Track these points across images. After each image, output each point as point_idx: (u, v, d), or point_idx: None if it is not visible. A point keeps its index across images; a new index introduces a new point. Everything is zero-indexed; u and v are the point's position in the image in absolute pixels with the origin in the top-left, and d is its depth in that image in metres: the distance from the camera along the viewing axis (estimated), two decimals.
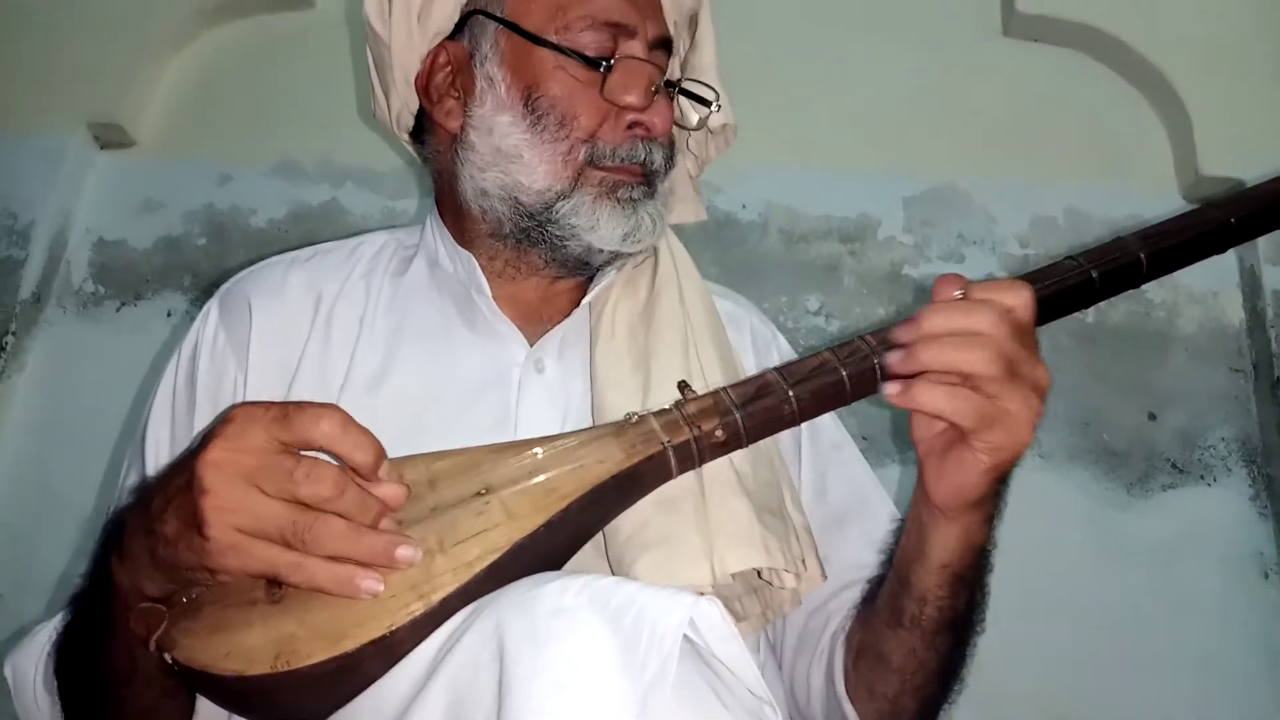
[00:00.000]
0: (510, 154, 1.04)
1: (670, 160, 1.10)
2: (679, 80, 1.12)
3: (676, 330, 1.04)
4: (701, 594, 0.68)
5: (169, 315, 2.09)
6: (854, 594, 1.05)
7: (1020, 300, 0.82)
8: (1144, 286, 2.03)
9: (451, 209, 1.13)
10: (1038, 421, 0.81)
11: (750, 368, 1.13)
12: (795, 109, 2.17)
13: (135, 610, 0.75)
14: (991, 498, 0.87)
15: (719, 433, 0.83)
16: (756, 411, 0.84)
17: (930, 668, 0.96)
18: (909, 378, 0.81)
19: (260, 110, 2.25)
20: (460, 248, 1.11)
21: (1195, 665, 1.77)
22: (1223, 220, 0.92)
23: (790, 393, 0.84)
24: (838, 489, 1.15)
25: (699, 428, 0.83)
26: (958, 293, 0.82)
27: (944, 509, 0.87)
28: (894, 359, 0.82)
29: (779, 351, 1.22)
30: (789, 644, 1.10)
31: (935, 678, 0.97)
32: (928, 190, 2.14)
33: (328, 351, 1.05)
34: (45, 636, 0.94)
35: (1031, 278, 0.87)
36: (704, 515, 0.89)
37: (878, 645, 0.98)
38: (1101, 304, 1.99)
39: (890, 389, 0.81)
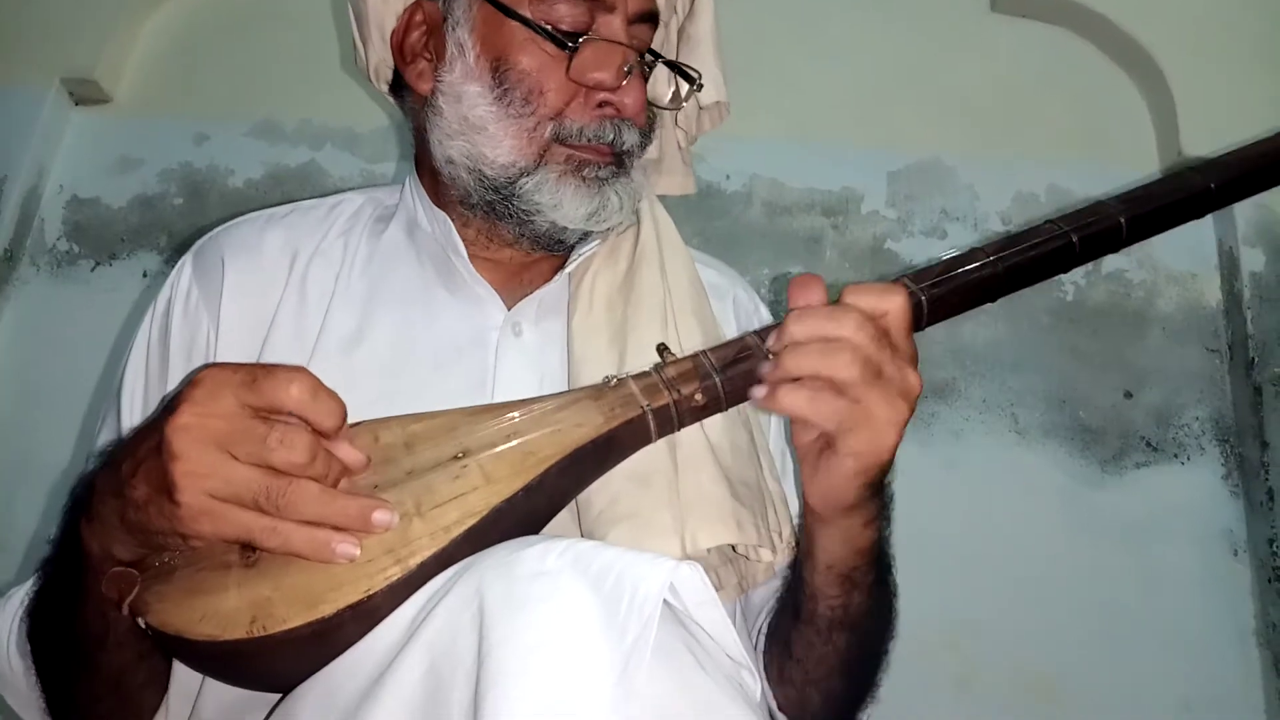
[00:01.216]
0: (476, 125, 1.01)
1: (645, 138, 1.07)
2: (662, 56, 1.10)
3: (655, 303, 1.03)
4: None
5: (144, 275, 2.06)
6: None
7: (891, 305, 0.81)
8: (1125, 266, 2.04)
9: (428, 169, 1.11)
10: (903, 425, 0.80)
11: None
12: (781, 81, 2.16)
13: (107, 574, 0.74)
14: (866, 503, 0.86)
15: (698, 396, 0.82)
16: (736, 375, 0.83)
17: (829, 663, 0.96)
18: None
19: (240, 69, 2.22)
20: (437, 208, 1.10)
21: (1166, 640, 1.80)
22: (1203, 185, 0.92)
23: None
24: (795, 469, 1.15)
25: (678, 391, 0.82)
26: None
27: (819, 513, 0.87)
28: (764, 369, 0.82)
29: (760, 321, 1.21)
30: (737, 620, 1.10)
31: (836, 674, 0.97)
32: (912, 165, 2.14)
33: (303, 310, 1.03)
34: (17, 601, 0.93)
35: (1011, 241, 0.87)
36: (675, 491, 0.89)
37: (785, 634, 0.99)
38: (1081, 282, 2.01)
39: (756, 392, 0.81)
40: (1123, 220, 0.88)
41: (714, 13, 1.16)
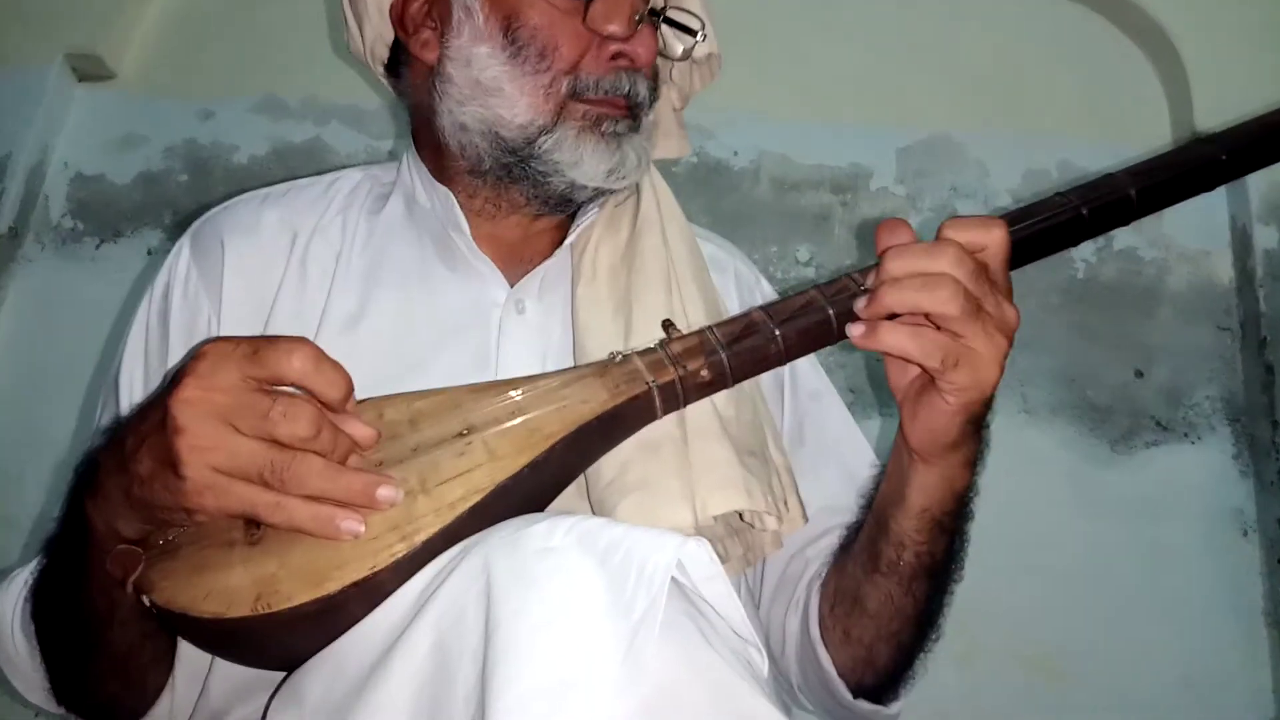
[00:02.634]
0: (490, 87, 1.01)
1: (654, 92, 1.07)
2: (664, 9, 1.09)
3: (659, 271, 1.02)
4: (687, 535, 0.67)
5: (149, 253, 2.06)
6: (832, 540, 1.05)
7: (990, 238, 0.81)
8: (1136, 243, 2.02)
9: (429, 145, 1.11)
10: (1004, 360, 0.80)
11: (734, 310, 1.11)
12: (790, 57, 2.14)
13: (112, 552, 0.74)
14: (968, 440, 0.86)
15: (704, 372, 0.82)
16: (742, 350, 0.82)
17: (906, 614, 0.95)
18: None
19: (244, 46, 2.21)
20: (438, 184, 1.09)
21: (1175, 620, 1.79)
22: (1214, 155, 0.91)
23: (776, 331, 0.82)
24: (814, 437, 1.15)
25: (684, 367, 0.81)
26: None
27: (921, 453, 0.86)
28: (859, 304, 0.81)
29: (762, 296, 1.21)
30: (766, 591, 1.10)
31: (911, 624, 0.97)
32: (921, 141, 2.12)
33: (303, 290, 1.03)
34: (21, 581, 0.93)
35: (1021, 214, 0.87)
36: (685, 459, 0.89)
37: (854, 590, 0.97)
38: (1092, 259, 2.00)
39: (854, 330, 0.81)
40: (1132, 193, 0.87)
41: None
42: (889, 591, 0.94)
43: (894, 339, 0.79)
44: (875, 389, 1.94)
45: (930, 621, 0.98)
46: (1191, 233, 2.03)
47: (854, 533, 1.00)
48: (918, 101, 2.14)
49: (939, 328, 0.79)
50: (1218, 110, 1.98)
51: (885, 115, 2.13)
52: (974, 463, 0.89)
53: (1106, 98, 2.12)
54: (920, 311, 0.78)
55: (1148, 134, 2.06)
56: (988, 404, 0.83)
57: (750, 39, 2.02)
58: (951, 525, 0.91)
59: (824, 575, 1.03)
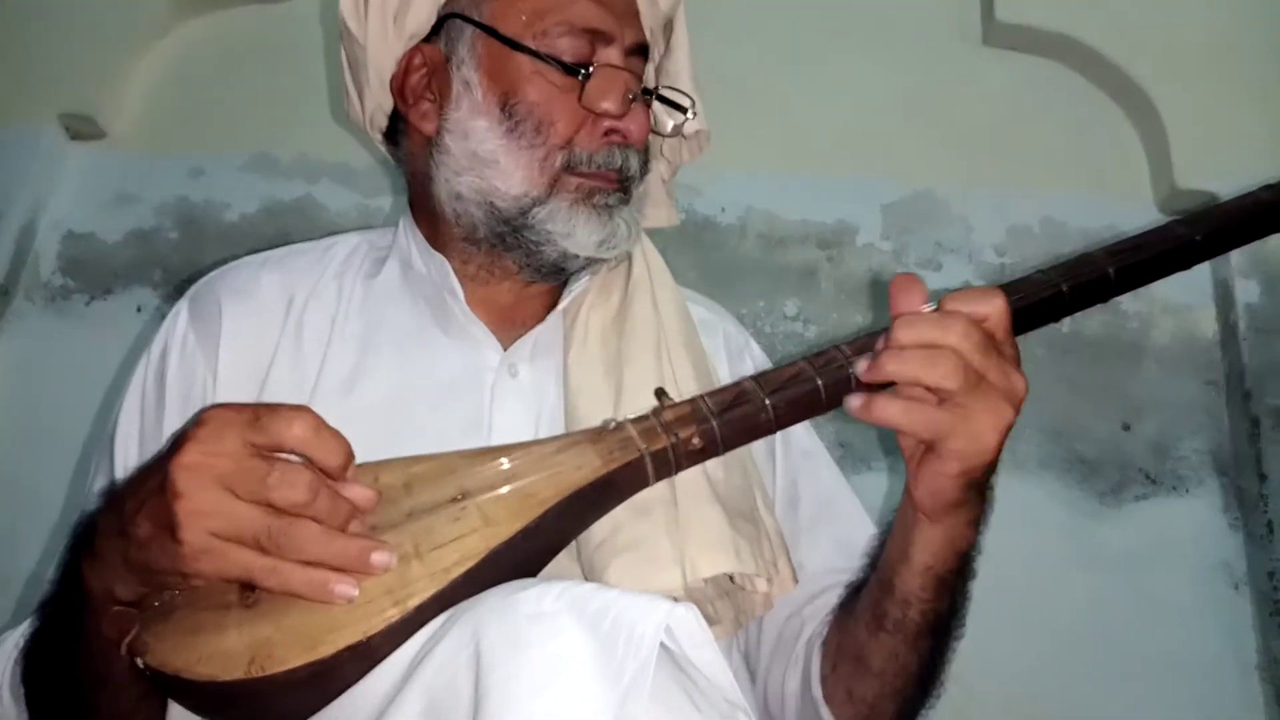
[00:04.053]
0: (486, 159, 1.03)
1: (645, 166, 1.10)
2: (655, 87, 1.12)
3: (649, 336, 1.04)
4: (676, 599, 0.68)
5: (139, 310, 2.06)
6: (829, 599, 1.05)
7: (992, 308, 0.82)
8: (1120, 298, 2.05)
9: (425, 211, 1.13)
10: (1007, 429, 0.81)
11: (723, 373, 1.13)
12: (776, 114, 2.17)
13: (107, 614, 0.74)
14: (971, 502, 0.87)
15: (696, 440, 0.83)
16: (733, 419, 0.84)
17: (910, 671, 0.96)
18: (880, 388, 0.82)
19: (235, 104, 2.22)
20: (433, 250, 1.11)
21: (1165, 674, 1.78)
22: (1189, 238, 0.94)
23: (767, 401, 0.84)
24: (809, 496, 1.15)
25: (676, 435, 0.82)
26: (926, 306, 0.83)
27: (926, 512, 0.87)
28: (860, 367, 0.83)
29: (752, 357, 1.22)
30: (764, 650, 1.10)
31: (915, 681, 0.97)
32: (906, 197, 2.15)
33: (299, 354, 1.04)
34: (11, 643, 0.92)
35: (1005, 289, 0.88)
36: (675, 521, 0.90)
37: (858, 649, 0.98)
38: (1076, 314, 2.01)
39: (853, 402, 0.82)
40: (1111, 271, 0.90)
41: (689, 49, 1.19)
42: (894, 649, 0.95)
43: (889, 413, 0.81)
44: (864, 444, 1.94)
45: (933, 679, 0.99)
46: (1175, 287, 2.04)
47: (855, 591, 1.01)
48: (903, 158, 2.16)
49: (938, 396, 0.80)
50: (1197, 167, 2.02)
51: (871, 172, 2.15)
52: (977, 522, 0.90)
53: (1088, 155, 2.15)
54: (920, 384, 0.80)
55: (1129, 191, 2.10)
56: (988, 469, 0.84)
57: (737, 96, 2.05)
58: (954, 583, 0.92)
59: (824, 634, 1.04)
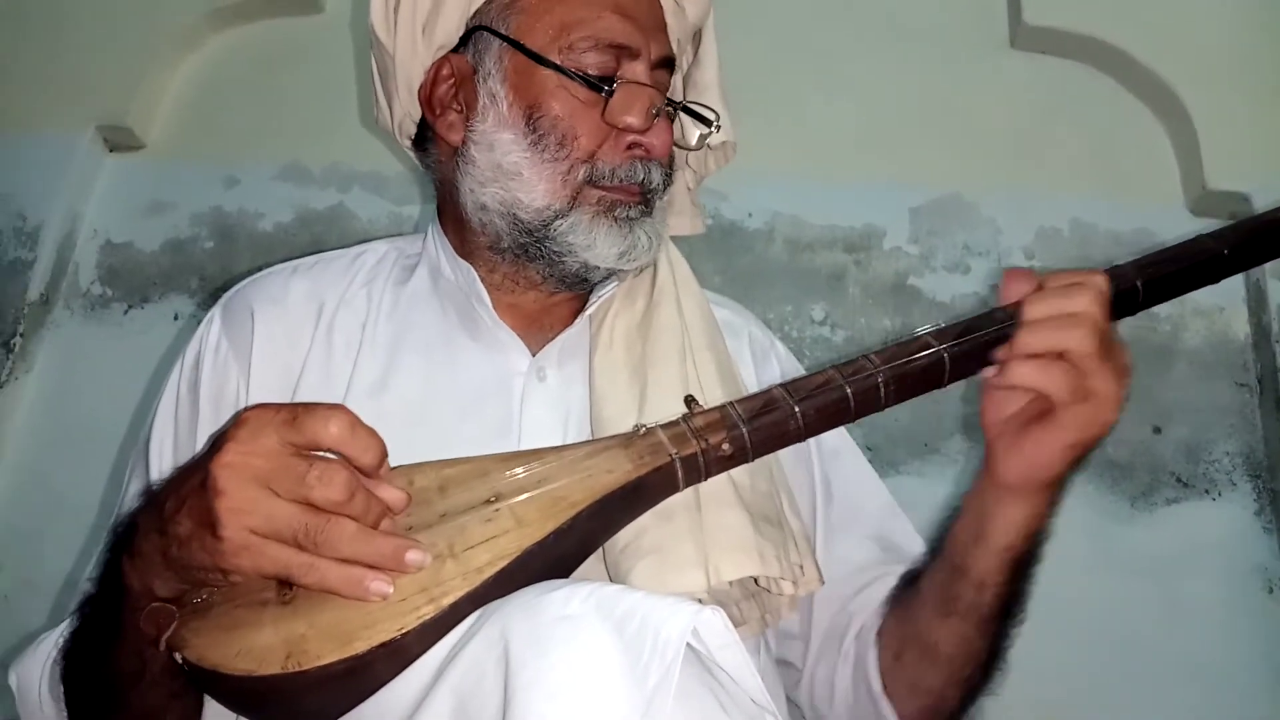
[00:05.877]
0: (510, 171, 1.05)
1: (668, 178, 1.11)
2: (680, 101, 1.13)
3: (673, 340, 1.05)
4: (701, 601, 0.69)
5: (175, 318, 2.09)
6: (877, 592, 1.07)
7: (1093, 281, 0.87)
8: None
9: (453, 219, 1.14)
10: (1121, 404, 0.85)
11: (748, 375, 1.14)
12: (802, 118, 2.18)
13: (146, 610, 0.76)
14: (1064, 482, 0.90)
15: (725, 446, 0.84)
16: (763, 426, 0.85)
17: (980, 657, 0.98)
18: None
19: (268, 114, 2.25)
20: (460, 258, 1.12)
21: (1198, 679, 1.77)
22: (1217, 251, 0.95)
23: (796, 408, 0.85)
24: (844, 492, 1.17)
25: (706, 441, 0.84)
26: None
27: (1016, 488, 0.90)
28: (999, 352, 0.87)
29: (777, 358, 1.23)
30: (813, 645, 1.11)
31: (982, 666, 0.99)
32: (933, 201, 2.14)
33: (330, 359, 1.06)
34: (50, 644, 0.94)
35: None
36: (699, 524, 0.91)
37: (925, 637, 0.99)
38: None
39: (989, 372, 0.87)
40: (1139, 285, 0.92)
41: (718, 60, 1.20)
42: (965, 634, 0.96)
43: (1023, 372, 0.85)
44: (891, 447, 1.94)
45: (996, 665, 1.00)
46: (1206, 290, 2.02)
47: (911, 580, 1.03)
48: (930, 161, 2.16)
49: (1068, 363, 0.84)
50: (1227, 167, 2.01)
51: (898, 175, 2.15)
52: (1053, 508, 0.92)
53: (1117, 156, 2.14)
54: (1060, 350, 0.84)
55: (1159, 193, 2.08)
56: (1097, 444, 0.87)
57: (764, 101, 2.06)
58: (1027, 565, 0.95)
59: (879, 625, 1.05)
